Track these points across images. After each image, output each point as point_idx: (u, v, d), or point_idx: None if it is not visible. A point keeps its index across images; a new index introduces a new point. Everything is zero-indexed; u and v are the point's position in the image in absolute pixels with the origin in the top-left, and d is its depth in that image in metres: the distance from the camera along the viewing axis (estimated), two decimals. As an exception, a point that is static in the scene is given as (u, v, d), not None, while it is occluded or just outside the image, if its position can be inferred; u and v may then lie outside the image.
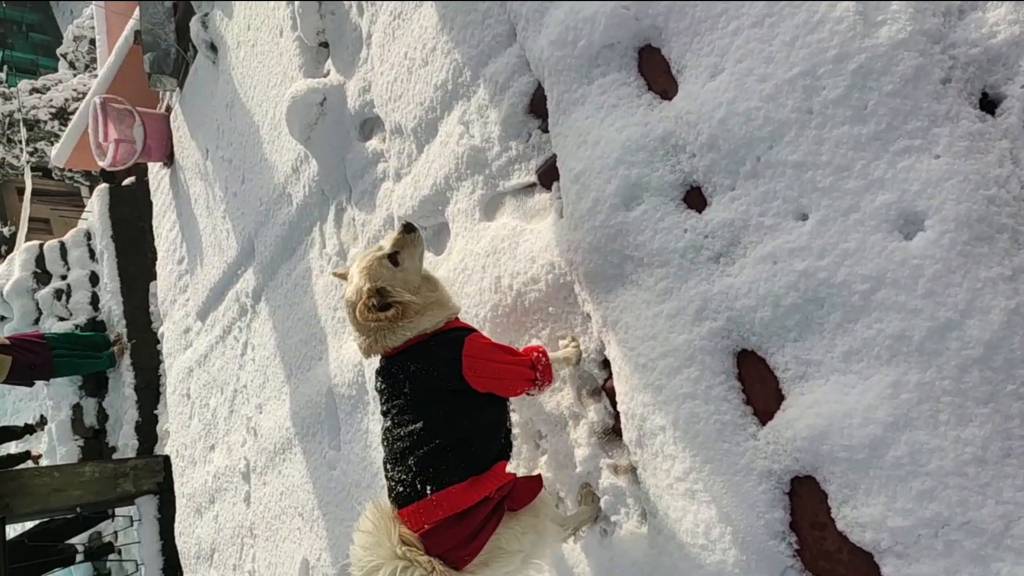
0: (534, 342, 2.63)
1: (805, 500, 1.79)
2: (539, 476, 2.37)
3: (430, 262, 3.17)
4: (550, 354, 2.40)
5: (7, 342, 6.81)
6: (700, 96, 2.00)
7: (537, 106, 2.66)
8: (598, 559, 2.38)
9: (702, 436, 1.97)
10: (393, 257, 2.26)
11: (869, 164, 1.64)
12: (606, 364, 2.39)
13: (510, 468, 2.33)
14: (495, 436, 2.28)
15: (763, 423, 1.88)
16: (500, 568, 2.18)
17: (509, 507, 2.20)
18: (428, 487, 2.07)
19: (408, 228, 2.33)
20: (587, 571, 2.43)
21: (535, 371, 2.31)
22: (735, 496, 1.89)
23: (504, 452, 2.30)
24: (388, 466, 2.21)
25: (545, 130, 2.60)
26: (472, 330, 2.35)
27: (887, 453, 1.60)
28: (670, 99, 2.11)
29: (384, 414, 2.27)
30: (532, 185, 2.72)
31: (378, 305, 2.17)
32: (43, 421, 9.17)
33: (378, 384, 2.31)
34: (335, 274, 2.51)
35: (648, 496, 2.15)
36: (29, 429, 8.96)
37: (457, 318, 2.38)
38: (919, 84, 1.62)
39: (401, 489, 2.12)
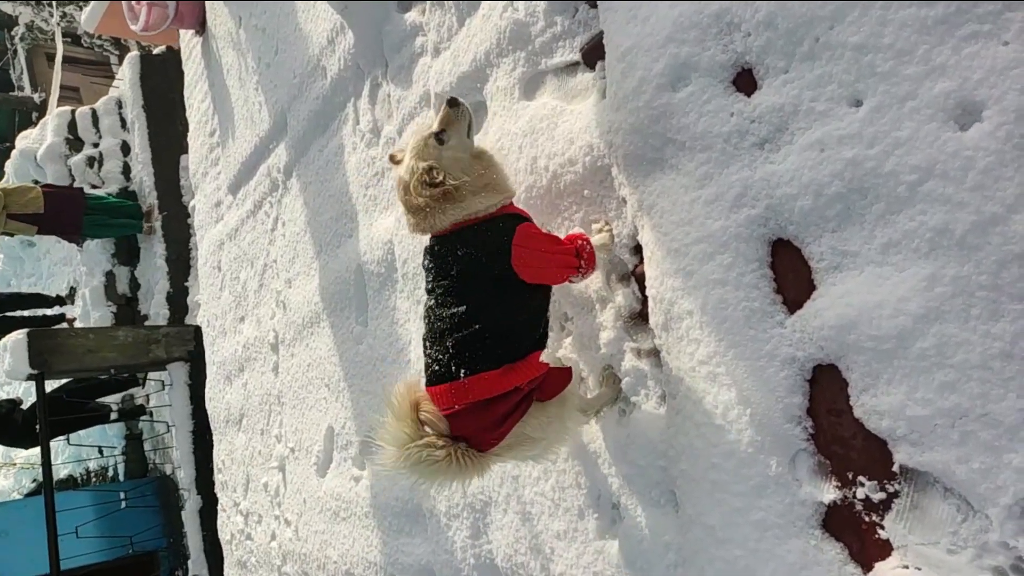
0: (567, 225, 2.64)
1: (825, 387, 1.84)
2: (569, 368, 2.43)
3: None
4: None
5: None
6: (761, -30, 1.91)
7: (586, -21, 2.56)
8: (615, 437, 2.47)
9: (729, 322, 2.00)
10: (439, 135, 2.23)
11: (932, 49, 1.58)
12: (637, 249, 2.40)
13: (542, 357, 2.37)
14: (534, 326, 2.31)
15: (792, 312, 1.90)
16: (523, 452, 2.28)
17: (539, 397, 2.26)
18: (462, 370, 2.12)
19: (453, 103, 2.26)
20: (603, 448, 2.52)
21: (580, 259, 2.31)
22: (756, 380, 1.93)
23: (540, 342, 2.33)
24: (427, 344, 2.25)
25: (593, 5, 2.51)
26: (524, 218, 2.32)
27: (914, 344, 1.62)
28: (729, -27, 2.02)
29: (428, 292, 2.29)
30: (575, 64, 2.65)
31: (430, 183, 2.15)
32: (72, 293, 9.45)
33: (425, 262, 2.32)
34: (391, 157, 2.45)
35: (670, 379, 2.21)
36: (60, 300, 9.25)
37: (511, 203, 2.35)
38: (997, -37, 1.53)
39: (436, 368, 2.18)
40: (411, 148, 2.26)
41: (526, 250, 2.18)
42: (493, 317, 2.16)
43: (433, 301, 2.26)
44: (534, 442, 2.26)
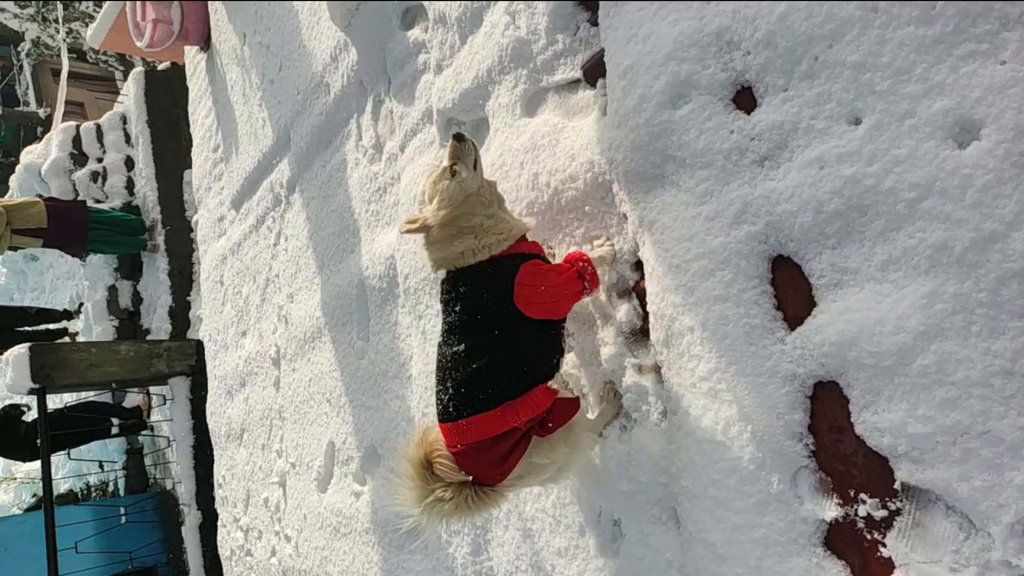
0: (568, 241, 2.64)
1: (826, 404, 1.83)
2: (577, 399, 2.44)
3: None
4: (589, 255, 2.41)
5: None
6: (760, -11, 1.93)
7: (587, -2, 2.58)
8: (615, 453, 2.47)
9: (730, 338, 2.00)
10: (450, 169, 2.26)
11: (930, 68, 1.59)
12: (638, 265, 2.40)
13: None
14: (543, 360, 2.31)
15: (792, 328, 1.90)
16: (535, 480, 2.32)
17: (542, 433, 2.27)
18: (461, 412, 2.16)
19: (459, 137, 2.30)
20: (604, 464, 2.51)
21: (583, 281, 2.32)
22: (757, 397, 1.93)
23: (549, 373, 2.34)
24: (436, 380, 2.30)
25: (594, 23, 2.53)
26: (531, 256, 2.32)
27: (914, 361, 1.62)
28: (728, -8, 2.04)
29: (442, 327, 2.35)
30: (576, 81, 2.67)
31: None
32: (79, 308, 9.46)
33: (440, 295, 2.38)
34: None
35: (671, 395, 2.21)
36: (67, 315, 9.27)
37: (524, 237, 2.36)
38: (994, -17, 1.55)
39: (439, 407, 2.25)
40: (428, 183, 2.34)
41: (529, 288, 2.20)
42: (491, 356, 2.18)
43: (441, 338, 2.31)
44: (544, 468, 2.29)
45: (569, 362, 2.71)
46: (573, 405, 2.36)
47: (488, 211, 2.30)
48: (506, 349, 2.20)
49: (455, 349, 2.22)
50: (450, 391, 2.19)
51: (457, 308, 2.25)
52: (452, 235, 2.25)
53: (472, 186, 2.26)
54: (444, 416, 2.22)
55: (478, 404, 2.15)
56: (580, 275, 2.32)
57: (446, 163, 2.28)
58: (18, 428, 7.15)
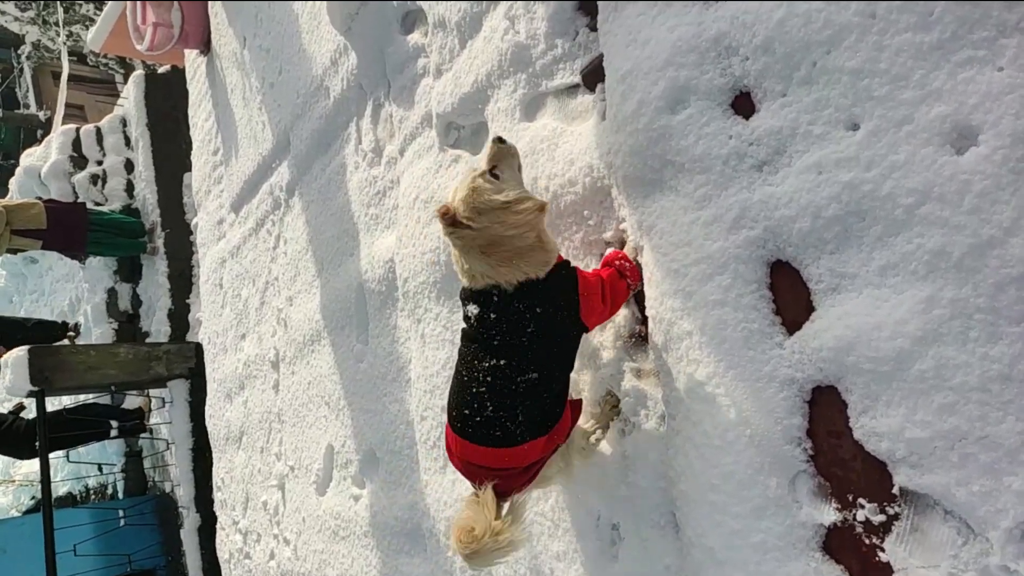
0: (566, 245, 2.65)
1: (824, 409, 1.83)
2: (580, 400, 2.45)
3: (466, 161, 3.16)
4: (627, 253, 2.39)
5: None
6: (759, -7, 1.93)
7: (586, 2, 2.59)
8: (614, 457, 2.47)
9: (728, 343, 2.00)
10: (492, 172, 2.15)
11: (928, 74, 1.59)
12: (637, 270, 2.41)
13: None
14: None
15: (791, 333, 1.90)
16: (540, 488, 2.38)
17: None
18: (527, 436, 2.11)
19: (500, 140, 2.21)
20: (602, 468, 2.51)
21: (626, 279, 2.31)
22: (755, 402, 1.93)
23: None
24: (488, 404, 2.11)
25: (593, 28, 2.54)
26: (571, 264, 2.26)
27: (912, 366, 1.62)
28: (727, -3, 2.04)
29: (485, 346, 2.15)
30: (575, 86, 2.68)
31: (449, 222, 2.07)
32: (77, 327, 9.39)
33: (486, 314, 2.14)
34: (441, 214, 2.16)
35: (669, 399, 2.21)
36: (65, 327, 9.26)
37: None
38: (992, -10, 1.55)
39: (494, 431, 2.11)
40: (461, 197, 2.11)
41: (590, 297, 2.17)
42: (557, 382, 2.19)
43: (503, 361, 2.11)
44: (550, 480, 2.33)
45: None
46: (578, 407, 2.39)
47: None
48: (566, 368, 2.21)
49: (528, 376, 2.10)
50: (519, 418, 2.09)
51: (532, 329, 2.10)
52: (516, 252, 2.09)
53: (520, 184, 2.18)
54: (502, 440, 2.10)
55: (540, 429, 2.14)
56: (621, 273, 2.31)
57: (485, 166, 2.17)
58: (17, 427, 7.14)
